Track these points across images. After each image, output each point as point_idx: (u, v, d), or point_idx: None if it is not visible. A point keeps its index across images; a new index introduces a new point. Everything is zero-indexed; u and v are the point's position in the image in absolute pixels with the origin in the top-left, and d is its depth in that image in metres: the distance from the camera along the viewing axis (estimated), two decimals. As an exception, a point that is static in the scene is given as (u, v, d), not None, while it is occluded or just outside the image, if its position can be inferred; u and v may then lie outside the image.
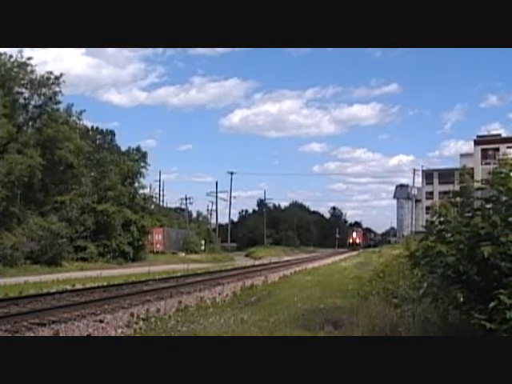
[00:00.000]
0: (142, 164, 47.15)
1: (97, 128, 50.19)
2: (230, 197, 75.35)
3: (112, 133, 52.10)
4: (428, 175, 79.47)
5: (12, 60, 32.54)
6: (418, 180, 79.59)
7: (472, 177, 13.26)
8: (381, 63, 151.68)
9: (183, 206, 75.47)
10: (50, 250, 29.98)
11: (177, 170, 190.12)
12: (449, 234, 6.38)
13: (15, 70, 32.68)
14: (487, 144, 54.93)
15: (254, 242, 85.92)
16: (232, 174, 74.94)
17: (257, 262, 43.84)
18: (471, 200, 6.68)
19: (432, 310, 7.48)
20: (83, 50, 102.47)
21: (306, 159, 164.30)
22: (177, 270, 28.82)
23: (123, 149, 50.22)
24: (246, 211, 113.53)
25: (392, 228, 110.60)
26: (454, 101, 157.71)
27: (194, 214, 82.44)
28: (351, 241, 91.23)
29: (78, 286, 18.54)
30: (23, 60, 32.54)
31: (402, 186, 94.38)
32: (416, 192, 79.94)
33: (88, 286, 18.72)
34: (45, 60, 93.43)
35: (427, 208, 61.81)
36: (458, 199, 6.93)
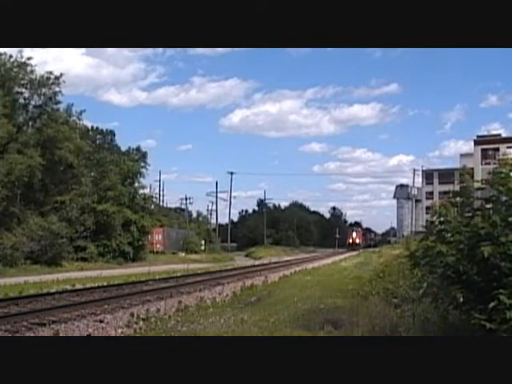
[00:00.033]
0: (142, 164, 47.17)
1: (97, 128, 50.22)
2: (230, 197, 75.46)
3: (112, 133, 52.16)
4: (428, 175, 79.48)
5: (12, 60, 32.55)
6: (418, 180, 79.73)
7: (472, 177, 13.26)
8: (381, 63, 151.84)
9: (183, 206, 75.58)
10: (50, 250, 29.98)
11: (177, 170, 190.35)
12: (449, 234, 6.38)
13: (15, 69, 32.68)
14: (487, 144, 54.94)
15: (254, 241, 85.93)
16: (232, 173, 75.06)
17: (257, 262, 43.84)
18: (471, 200, 6.68)
19: (432, 310, 7.48)
20: (83, 50, 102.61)
21: (306, 159, 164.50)
22: (177, 270, 28.83)
23: (123, 149, 50.28)
24: (246, 211, 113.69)
25: (392, 228, 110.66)
26: (454, 101, 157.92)
27: (194, 214, 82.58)
28: (351, 241, 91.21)
29: (78, 286, 18.54)
30: (23, 60, 32.58)
31: (402, 185, 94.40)
32: (416, 192, 79.95)
33: (88, 286, 18.72)
34: (45, 60, 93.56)
35: (427, 208, 61.82)
36: (458, 199, 6.93)
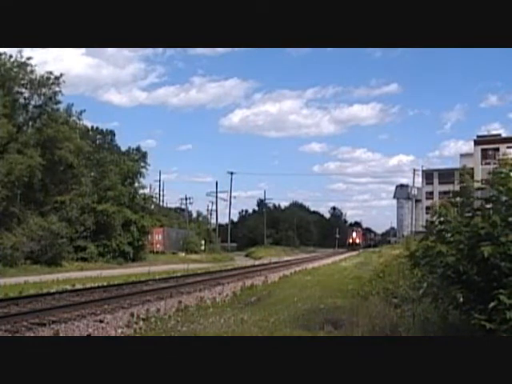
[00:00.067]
0: (142, 164, 47.17)
1: (97, 128, 50.21)
2: (230, 197, 75.46)
3: (112, 133, 52.15)
4: (428, 175, 79.49)
5: (12, 60, 32.55)
6: (418, 180, 79.73)
7: (472, 177, 13.26)
8: (381, 63, 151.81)
9: (183, 206, 75.57)
10: (50, 250, 29.99)
11: (177, 170, 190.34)
12: (449, 234, 6.38)
13: (15, 69, 32.68)
14: (487, 144, 54.94)
15: (254, 242, 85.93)
16: (232, 173, 75.06)
17: (257, 262, 43.84)
18: (471, 200, 6.68)
19: (432, 310, 7.48)
20: (83, 50, 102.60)
21: (306, 159, 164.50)
22: (177, 270, 28.83)
23: (123, 149, 50.27)
24: (246, 211, 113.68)
25: (392, 228, 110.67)
26: (454, 101, 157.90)
27: (194, 214, 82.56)
28: (351, 241, 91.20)
29: (78, 286, 18.53)
30: (23, 60, 32.58)
31: (402, 185, 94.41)
32: (416, 192, 79.95)
33: (88, 286, 18.72)
34: (45, 60, 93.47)
35: (427, 208, 61.84)
36: (458, 199, 6.93)
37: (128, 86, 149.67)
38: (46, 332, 10.20)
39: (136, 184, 43.32)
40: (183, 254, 51.96)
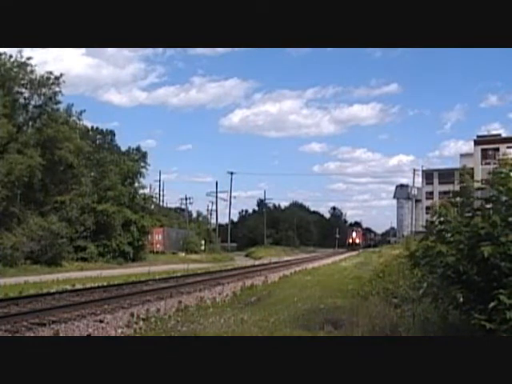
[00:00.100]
0: (142, 164, 47.18)
1: (97, 128, 50.22)
2: (230, 197, 75.47)
3: (112, 133, 52.16)
4: (428, 175, 79.50)
5: (12, 60, 32.55)
6: (418, 180, 79.74)
7: (472, 177, 13.26)
8: (381, 63, 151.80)
9: (183, 206, 75.57)
10: (50, 250, 29.98)
11: (177, 170, 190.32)
12: (449, 234, 6.38)
13: (15, 69, 32.68)
14: (487, 144, 54.95)
15: (254, 242, 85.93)
16: (232, 173, 75.07)
17: (257, 262, 43.84)
18: (471, 200, 6.68)
19: (432, 310, 7.48)
20: (83, 50, 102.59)
21: (305, 159, 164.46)
22: (177, 270, 28.82)
23: (123, 149, 50.29)
24: (246, 211, 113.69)
25: (392, 228, 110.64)
26: (454, 101, 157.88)
27: (194, 214, 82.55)
28: (351, 241, 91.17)
29: (78, 286, 18.53)
30: (23, 60, 32.58)
31: (402, 185, 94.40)
32: (416, 192, 79.95)
33: (88, 286, 18.72)
34: (45, 60, 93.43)
35: (427, 208, 61.83)
36: (458, 199, 6.93)
37: (128, 86, 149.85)
38: (46, 332, 10.20)
39: (136, 184, 43.37)
40: (183, 254, 51.96)
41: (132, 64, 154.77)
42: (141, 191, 43.86)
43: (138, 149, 50.72)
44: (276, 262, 38.91)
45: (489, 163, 47.71)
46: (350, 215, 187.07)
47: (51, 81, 33.38)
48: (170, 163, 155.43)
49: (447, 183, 63.06)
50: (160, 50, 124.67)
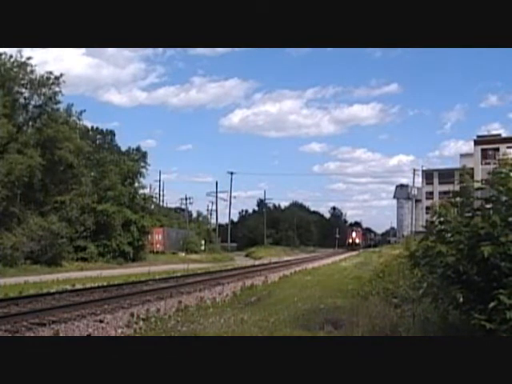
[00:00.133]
0: (142, 164, 47.21)
1: (97, 128, 50.27)
2: (230, 197, 75.51)
3: (112, 133, 52.24)
4: (428, 175, 79.51)
5: (12, 60, 32.55)
6: (418, 180, 79.73)
7: (472, 177, 13.27)
8: (381, 63, 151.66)
9: (183, 206, 75.52)
10: (50, 250, 29.98)
11: (177, 170, 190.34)
12: (449, 234, 6.38)
13: (15, 69, 32.68)
14: (487, 144, 54.99)
15: (254, 242, 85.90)
16: (232, 173, 75.14)
17: (257, 262, 43.84)
18: (471, 200, 6.68)
19: (432, 310, 7.48)
20: (83, 50, 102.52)
21: (306, 159, 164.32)
22: (177, 270, 28.82)
23: (123, 149, 50.34)
24: (246, 211, 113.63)
25: (392, 228, 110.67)
26: (454, 101, 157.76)
27: (194, 214, 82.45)
28: (351, 241, 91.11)
29: (78, 286, 18.53)
30: (23, 60, 32.58)
31: (402, 185, 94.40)
32: (416, 192, 79.95)
33: (88, 286, 18.72)
34: (45, 60, 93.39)
35: (427, 208, 61.82)
36: (458, 199, 6.93)
37: (128, 86, 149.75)
38: (46, 332, 10.20)
39: (136, 184, 43.34)
40: (183, 254, 51.94)
41: (132, 64, 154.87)
42: (141, 191, 43.91)
43: (138, 149, 50.84)
44: (276, 262, 38.92)
45: (489, 163, 47.72)
46: (350, 215, 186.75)
47: (51, 81, 33.38)
48: (169, 163, 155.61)
49: (447, 183, 62.99)
50: (160, 49, 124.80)
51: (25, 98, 34.22)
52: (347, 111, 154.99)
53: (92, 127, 48.58)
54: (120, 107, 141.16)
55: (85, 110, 37.48)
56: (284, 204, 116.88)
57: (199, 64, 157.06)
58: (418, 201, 79.46)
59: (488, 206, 6.39)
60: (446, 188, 62.30)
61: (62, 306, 12.93)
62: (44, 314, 11.75)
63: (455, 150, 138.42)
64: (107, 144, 50.38)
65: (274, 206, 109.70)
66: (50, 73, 33.53)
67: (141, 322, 11.22)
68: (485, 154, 54.46)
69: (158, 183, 67.77)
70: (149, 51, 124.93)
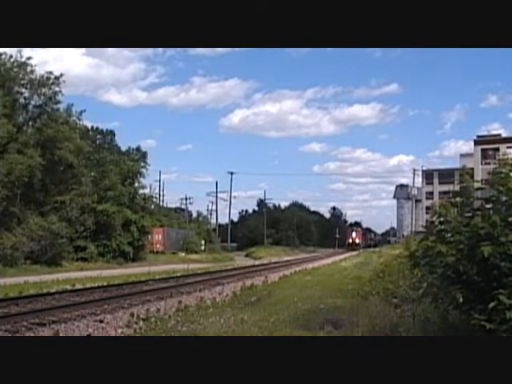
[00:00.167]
0: (142, 164, 47.22)
1: (97, 128, 50.28)
2: (230, 197, 75.49)
3: (112, 133, 52.25)
4: (428, 175, 79.51)
5: (12, 60, 32.55)
6: (418, 180, 79.73)
7: (472, 177, 13.27)
8: (381, 63, 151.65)
9: (183, 206, 75.52)
10: (50, 250, 29.98)
11: (177, 170, 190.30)
12: (449, 234, 6.38)
13: (15, 69, 32.68)
14: (487, 144, 55.00)
15: (254, 242, 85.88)
16: (232, 173, 75.11)
17: (257, 262, 43.84)
18: (471, 200, 6.68)
19: (432, 310, 7.48)
20: (83, 50, 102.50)
21: (306, 159, 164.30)
22: (177, 270, 28.82)
23: (123, 149, 50.35)
24: (246, 211, 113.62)
25: (392, 228, 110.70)
26: (454, 101, 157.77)
27: (194, 214, 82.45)
28: (351, 241, 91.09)
29: (78, 286, 18.53)
30: (23, 60, 32.58)
31: (402, 185, 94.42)
32: (416, 192, 79.95)
33: (88, 286, 18.72)
34: (45, 60, 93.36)
35: (427, 208, 61.82)
36: (457, 199, 6.93)
37: (128, 86, 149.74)
38: (46, 332, 10.20)
39: (136, 184, 43.34)
40: (183, 254, 51.94)
41: (132, 64, 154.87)
42: (141, 191, 43.91)
43: (137, 149, 50.86)
44: (276, 262, 38.92)
45: (489, 163, 47.73)
46: (350, 215, 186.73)
47: (51, 81, 33.37)
48: (169, 163, 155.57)
49: (447, 183, 62.97)
50: (160, 50, 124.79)
51: (25, 98, 34.24)
52: (347, 111, 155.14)
53: (92, 127, 48.64)
54: (120, 107, 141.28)
55: (85, 110, 37.57)
56: (284, 204, 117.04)
57: (199, 64, 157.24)
58: (417, 201, 79.46)
59: (488, 206, 6.39)
60: (446, 188, 62.29)
61: (62, 306, 12.93)
62: (44, 314, 11.75)
63: (455, 149, 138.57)
64: (107, 144, 50.39)
65: (274, 205, 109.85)
66: (50, 73, 33.58)
67: (141, 322, 11.22)
68: (485, 154, 54.47)
69: (158, 183, 67.86)
70: (149, 51, 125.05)
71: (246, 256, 67.22)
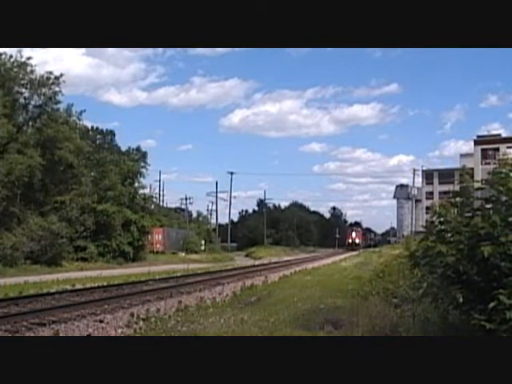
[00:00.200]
0: (142, 164, 47.22)
1: (97, 128, 50.29)
2: (230, 197, 75.49)
3: (112, 133, 52.27)
4: (428, 175, 79.51)
5: (12, 60, 32.55)
6: (418, 180, 79.73)
7: (472, 177, 13.27)
8: (381, 63, 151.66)
9: (183, 206, 75.53)
10: (50, 250, 29.98)
11: (177, 170, 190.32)
12: (449, 234, 6.39)
13: (15, 69, 32.68)
14: (487, 144, 55.01)
15: (253, 242, 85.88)
16: (232, 173, 75.12)
17: (257, 262, 43.84)
18: (471, 200, 6.68)
19: (432, 310, 7.49)
20: (83, 50, 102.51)
21: (306, 159, 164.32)
22: (177, 270, 28.82)
23: (123, 149, 50.36)
24: (246, 211, 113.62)
25: (392, 228, 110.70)
26: (454, 101, 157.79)
27: (194, 214, 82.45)
28: (351, 241, 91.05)
29: (78, 286, 18.53)
30: (23, 60, 32.58)
31: (402, 185, 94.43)
32: (416, 192, 79.96)
33: (88, 286, 18.72)
34: (45, 60, 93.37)
35: (427, 208, 61.80)
36: (457, 199, 6.93)
37: (128, 86, 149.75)
38: (46, 332, 10.20)
39: (136, 184, 43.33)
40: (183, 254, 51.94)
41: (132, 64, 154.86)
42: (141, 191, 43.90)
43: (137, 149, 50.88)
44: (276, 262, 38.92)
45: (489, 163, 47.73)
46: (350, 215, 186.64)
47: (51, 81, 33.37)
48: (169, 163, 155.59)
49: (447, 183, 62.95)
50: (160, 50, 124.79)
51: (25, 98, 34.24)
52: (347, 111, 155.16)
53: (92, 127, 48.64)
54: (120, 107, 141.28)
55: (85, 110, 37.56)
56: (284, 204, 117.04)
57: (199, 64, 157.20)
58: (417, 201, 79.46)
59: (488, 206, 6.39)
60: (446, 188, 62.26)
61: (62, 306, 12.93)
62: (44, 314, 11.75)
63: (455, 149, 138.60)
64: (107, 144, 50.39)
65: (274, 206, 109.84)
66: (50, 73, 33.58)
67: (141, 322, 11.22)
68: (485, 154, 54.48)
69: (158, 183, 67.87)
70: (149, 51, 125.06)
71: (246, 256, 67.23)
